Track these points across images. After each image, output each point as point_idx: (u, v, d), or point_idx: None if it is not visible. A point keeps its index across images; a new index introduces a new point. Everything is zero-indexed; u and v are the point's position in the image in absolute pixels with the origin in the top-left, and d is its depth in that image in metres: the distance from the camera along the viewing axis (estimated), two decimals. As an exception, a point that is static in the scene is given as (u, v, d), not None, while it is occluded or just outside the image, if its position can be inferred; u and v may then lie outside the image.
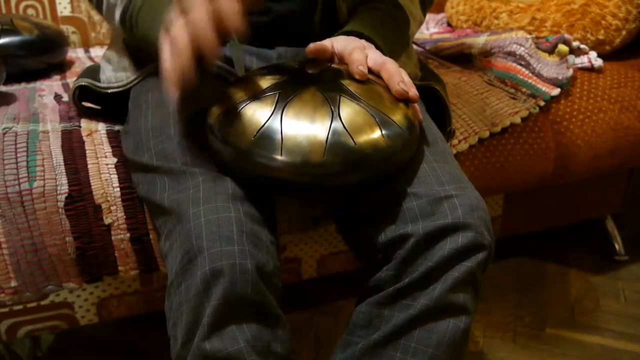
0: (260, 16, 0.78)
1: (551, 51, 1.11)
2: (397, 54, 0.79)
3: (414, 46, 1.20)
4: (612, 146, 1.08)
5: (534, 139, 1.00)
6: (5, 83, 1.06)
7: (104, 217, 0.77)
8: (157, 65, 0.78)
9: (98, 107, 0.92)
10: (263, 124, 0.60)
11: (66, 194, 0.76)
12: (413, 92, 0.65)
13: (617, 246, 1.39)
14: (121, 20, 0.73)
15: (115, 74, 0.83)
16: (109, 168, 0.79)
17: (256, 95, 0.63)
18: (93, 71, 0.87)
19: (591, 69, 1.11)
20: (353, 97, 0.62)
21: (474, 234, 0.61)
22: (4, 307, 0.92)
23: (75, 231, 0.76)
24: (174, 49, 0.55)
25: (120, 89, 0.81)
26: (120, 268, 0.80)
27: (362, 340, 0.65)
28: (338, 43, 0.69)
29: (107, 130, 0.86)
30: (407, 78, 0.66)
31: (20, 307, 0.93)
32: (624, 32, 1.13)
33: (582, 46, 1.12)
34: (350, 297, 1.24)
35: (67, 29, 1.36)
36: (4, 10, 1.30)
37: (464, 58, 1.18)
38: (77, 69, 1.21)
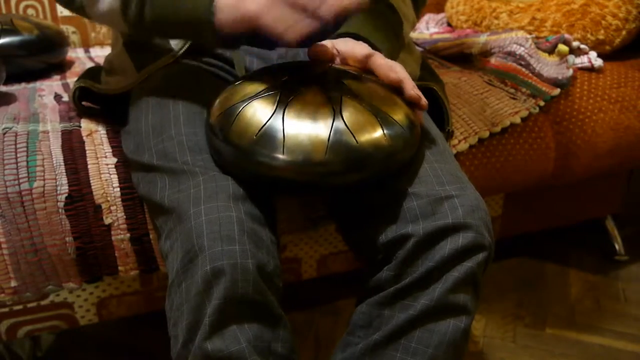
0: None
1: (551, 51, 1.11)
2: (395, 54, 0.79)
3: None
4: (612, 146, 1.08)
5: (534, 139, 1.00)
6: (5, 83, 1.06)
7: (104, 217, 0.77)
8: (158, 65, 0.78)
9: (98, 107, 0.92)
10: (265, 123, 0.60)
11: (66, 194, 0.75)
12: (424, 100, 0.66)
13: (617, 246, 1.39)
14: (123, 3, 0.66)
15: (115, 77, 0.83)
16: (109, 168, 0.79)
17: (257, 95, 0.63)
18: (94, 72, 0.87)
19: (591, 69, 1.11)
20: (355, 96, 0.62)
21: (474, 234, 0.61)
22: (4, 307, 0.92)
23: (75, 231, 0.76)
24: None
25: (119, 91, 0.81)
26: (120, 268, 0.80)
27: (363, 341, 0.65)
28: (340, 45, 0.69)
29: (107, 130, 0.86)
30: (415, 85, 0.66)
31: (20, 307, 0.93)
32: (624, 32, 1.13)
33: (582, 46, 1.12)
34: (350, 297, 1.24)
35: (67, 29, 1.36)
36: (4, 10, 1.30)
37: (464, 58, 1.18)
38: (77, 69, 1.21)
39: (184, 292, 0.59)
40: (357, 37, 0.72)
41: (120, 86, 0.81)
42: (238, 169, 0.62)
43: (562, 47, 1.09)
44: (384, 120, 0.61)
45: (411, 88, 0.65)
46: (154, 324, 1.16)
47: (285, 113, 0.60)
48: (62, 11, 1.34)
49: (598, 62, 1.11)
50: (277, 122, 0.59)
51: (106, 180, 0.78)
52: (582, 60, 1.12)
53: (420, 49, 1.28)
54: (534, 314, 1.22)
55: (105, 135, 0.85)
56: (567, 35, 1.11)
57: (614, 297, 1.27)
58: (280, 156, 0.58)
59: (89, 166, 0.79)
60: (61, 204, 0.75)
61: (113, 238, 0.78)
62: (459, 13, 1.38)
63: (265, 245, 0.60)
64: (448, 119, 0.85)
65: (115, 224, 0.77)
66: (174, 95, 0.74)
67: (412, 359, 0.62)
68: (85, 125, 0.87)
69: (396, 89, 0.66)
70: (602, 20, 1.12)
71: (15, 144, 0.80)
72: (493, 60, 1.13)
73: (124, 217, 0.78)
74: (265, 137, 0.59)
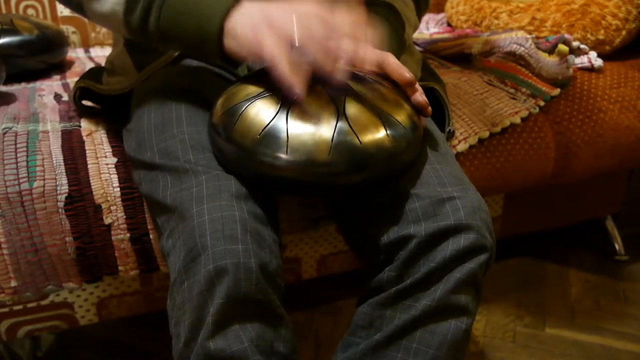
0: None
1: (551, 51, 1.11)
2: (397, 56, 0.79)
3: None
4: (612, 146, 1.08)
5: (534, 139, 1.00)
6: (5, 83, 1.06)
7: (104, 217, 0.77)
8: (159, 64, 0.78)
9: (98, 107, 0.92)
10: (268, 122, 0.59)
11: (66, 194, 0.75)
12: (430, 108, 0.66)
13: (617, 246, 1.39)
14: (127, 8, 0.65)
15: (116, 77, 0.83)
16: (109, 168, 0.79)
17: (261, 94, 0.63)
18: (95, 73, 0.87)
19: (591, 69, 1.11)
20: (358, 97, 0.62)
21: (475, 235, 0.61)
22: (4, 307, 0.92)
23: (75, 231, 0.76)
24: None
25: (121, 91, 0.81)
26: (120, 268, 0.80)
27: (364, 341, 0.65)
28: (346, 45, 0.69)
29: (107, 130, 0.86)
30: (422, 91, 0.66)
31: (20, 307, 0.93)
32: (624, 32, 1.13)
33: (582, 46, 1.12)
34: (351, 297, 1.24)
35: (67, 29, 1.36)
36: (4, 10, 1.30)
37: (464, 58, 1.18)
38: (77, 69, 1.21)
39: (186, 291, 0.59)
40: None
41: (121, 86, 0.81)
42: (241, 169, 0.62)
43: (562, 47, 1.09)
44: (387, 121, 0.61)
45: (419, 94, 0.65)
46: (154, 324, 1.16)
47: (288, 113, 0.60)
48: (62, 11, 1.33)
49: (598, 62, 1.11)
50: (280, 122, 0.59)
51: (106, 180, 0.78)
52: (582, 60, 1.12)
53: (420, 49, 1.28)
54: (534, 314, 1.22)
55: (105, 135, 0.85)
56: (567, 35, 1.11)
57: (614, 297, 1.27)
58: (284, 156, 0.58)
59: (89, 166, 0.79)
60: (61, 204, 0.75)
61: (113, 238, 0.78)
62: (459, 13, 1.38)
63: (267, 244, 0.60)
64: (449, 119, 0.85)
65: (115, 224, 0.77)
66: (176, 93, 0.74)
67: (413, 360, 0.62)
68: (85, 125, 0.87)
69: (399, 90, 0.66)
70: (602, 20, 1.12)
71: (15, 144, 0.80)
72: (493, 60, 1.13)
73: (124, 217, 0.78)
74: (269, 136, 0.59)
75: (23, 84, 1.08)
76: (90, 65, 1.23)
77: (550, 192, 1.24)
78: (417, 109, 0.66)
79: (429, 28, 1.47)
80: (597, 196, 1.30)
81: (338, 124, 0.59)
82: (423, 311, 0.61)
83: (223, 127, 0.62)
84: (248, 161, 0.60)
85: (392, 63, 0.65)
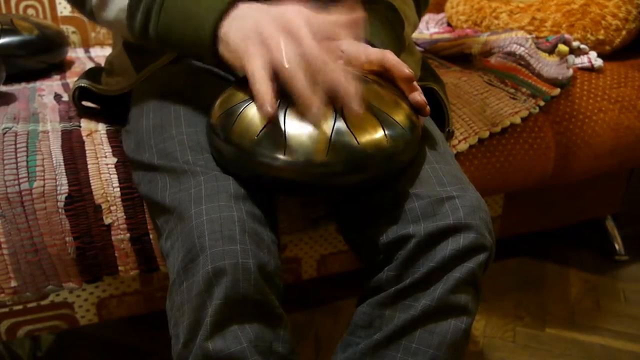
0: None
1: (551, 51, 1.11)
2: (396, 55, 0.79)
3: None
4: (612, 146, 1.08)
5: (534, 139, 1.00)
6: (5, 83, 1.06)
7: (104, 217, 0.77)
8: (158, 65, 0.78)
9: (98, 107, 0.92)
10: (266, 123, 0.60)
11: (66, 194, 0.75)
12: (428, 107, 0.66)
13: (617, 246, 1.39)
14: (130, 8, 0.65)
15: (115, 78, 0.83)
16: (109, 168, 0.79)
17: None
18: (94, 73, 0.87)
19: (591, 69, 1.11)
20: None
21: (475, 234, 0.61)
22: (4, 307, 0.92)
23: (75, 231, 0.76)
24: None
25: (120, 92, 0.81)
26: (120, 268, 0.80)
27: (363, 341, 0.65)
28: (345, 45, 0.69)
29: (107, 130, 0.86)
30: (421, 91, 0.66)
31: (20, 307, 0.93)
32: (624, 32, 1.13)
33: (582, 46, 1.12)
34: (351, 297, 1.24)
35: (67, 29, 1.36)
36: (4, 10, 1.30)
37: (464, 58, 1.18)
38: (77, 69, 1.21)
39: (185, 292, 0.59)
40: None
41: (120, 87, 0.81)
42: (239, 169, 0.62)
43: (562, 47, 1.09)
44: (385, 121, 0.61)
45: (417, 94, 0.65)
46: (154, 324, 1.16)
47: (286, 113, 0.60)
48: (62, 11, 1.33)
49: (598, 62, 1.11)
50: (278, 123, 0.59)
51: (106, 180, 0.78)
52: (582, 60, 1.12)
53: (420, 49, 1.28)
54: (534, 314, 1.22)
55: (105, 135, 0.85)
56: (567, 35, 1.11)
57: (614, 297, 1.27)
58: (282, 157, 0.58)
59: (89, 166, 0.79)
60: (61, 204, 0.75)
61: (113, 238, 0.78)
62: (459, 13, 1.38)
63: (266, 245, 0.60)
64: (448, 119, 0.85)
65: (115, 224, 0.77)
66: (175, 94, 0.74)
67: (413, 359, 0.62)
68: (85, 125, 0.87)
69: (398, 90, 0.66)
70: (602, 20, 1.12)
71: (15, 144, 0.80)
72: (493, 60, 1.13)
73: (124, 217, 0.78)
74: (267, 137, 0.59)
75: (23, 84, 1.08)
76: (90, 65, 1.23)
77: (550, 192, 1.24)
78: (416, 109, 0.66)
79: (429, 28, 1.47)
80: (597, 196, 1.30)
81: (336, 125, 0.59)
82: (422, 311, 0.61)
83: (221, 128, 0.62)
84: (246, 162, 0.60)
85: (392, 59, 0.65)
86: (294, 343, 0.63)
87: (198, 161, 0.65)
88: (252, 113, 0.61)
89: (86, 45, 1.39)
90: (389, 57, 0.65)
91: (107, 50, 1.35)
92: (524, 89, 1.03)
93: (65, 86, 1.08)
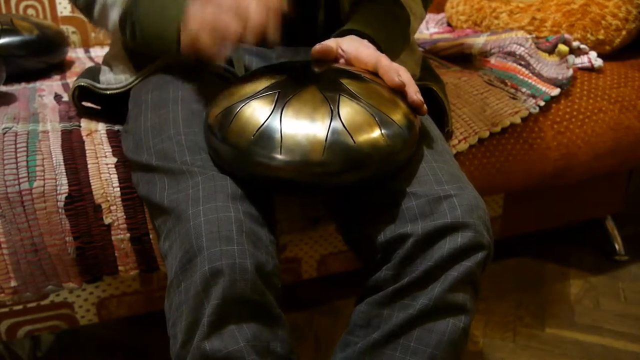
0: None
1: (551, 51, 1.11)
2: (397, 53, 0.79)
3: (414, 46, 1.20)
4: (612, 146, 1.08)
5: (534, 139, 1.00)
6: (5, 83, 1.06)
7: (104, 217, 0.77)
8: (157, 65, 0.78)
9: (98, 108, 0.92)
10: (262, 123, 0.60)
11: (66, 194, 0.76)
12: (425, 107, 0.66)
13: (617, 246, 1.39)
14: (120, 22, 0.73)
15: (114, 76, 0.83)
16: (109, 168, 0.79)
17: (256, 95, 0.63)
18: (93, 72, 0.87)
19: (591, 69, 1.11)
20: (353, 96, 0.62)
21: (473, 233, 0.61)
22: (4, 307, 0.92)
23: (75, 231, 0.76)
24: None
25: (118, 90, 0.81)
26: (120, 268, 0.80)
27: (362, 340, 0.65)
28: (346, 45, 0.69)
29: (107, 130, 0.86)
30: (418, 91, 0.66)
31: (20, 307, 0.93)
32: (624, 32, 1.13)
33: (582, 46, 1.12)
34: (350, 297, 1.24)
35: (67, 29, 1.36)
36: (4, 10, 1.30)
37: (464, 58, 1.18)
38: (77, 69, 1.21)
39: (183, 293, 0.59)
40: (362, 34, 0.72)
41: (120, 86, 0.81)
42: (236, 169, 0.62)
43: (562, 47, 1.09)
44: (381, 120, 0.61)
45: (414, 93, 0.65)
46: (154, 324, 1.16)
47: (282, 113, 0.60)
48: (62, 11, 1.34)
49: (598, 62, 1.11)
50: (274, 122, 0.59)
51: (106, 180, 0.78)
52: (582, 60, 1.12)
53: (420, 49, 1.28)
54: (534, 314, 1.22)
55: (105, 135, 0.85)
56: (567, 35, 1.11)
57: (614, 297, 1.27)
58: (278, 156, 0.58)
59: (88, 166, 0.79)
60: (61, 204, 0.75)
61: (113, 238, 0.78)
62: (459, 13, 1.38)
63: (264, 245, 0.61)
64: (448, 119, 0.85)
65: (115, 224, 0.77)
66: (173, 95, 0.74)
67: (411, 358, 0.62)
68: (85, 125, 0.87)
69: (398, 90, 0.66)
70: (602, 20, 1.12)
71: (15, 144, 0.80)
72: (493, 60, 1.13)
73: (124, 217, 0.78)
74: (263, 137, 0.59)
75: (23, 84, 1.08)
76: (90, 65, 1.23)
77: (550, 192, 1.24)
78: (413, 108, 0.66)
79: (429, 28, 1.47)
80: (597, 196, 1.30)
81: (332, 124, 0.59)
82: (420, 310, 0.61)
83: (218, 128, 0.62)
84: (243, 162, 0.60)
85: (384, 65, 0.66)
86: (292, 342, 0.63)
87: (196, 162, 0.65)
88: (249, 112, 0.61)
89: (86, 45, 1.39)
90: (383, 62, 0.66)
91: (107, 50, 1.35)
92: (524, 89, 1.03)
93: (65, 86, 1.08)
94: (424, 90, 0.83)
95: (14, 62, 1.09)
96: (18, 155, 0.78)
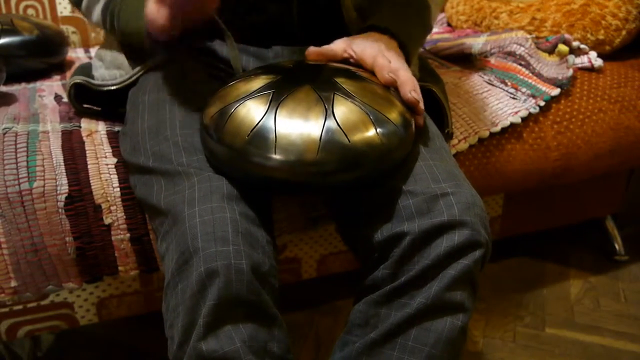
0: (257, 15, 0.79)
1: (551, 51, 1.11)
2: (420, 44, 0.80)
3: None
4: (612, 146, 1.08)
5: (534, 139, 1.00)
6: (5, 83, 1.06)
7: (104, 217, 0.77)
8: (154, 61, 0.78)
9: (98, 109, 0.92)
10: (257, 122, 0.60)
11: (66, 194, 0.76)
12: (421, 106, 0.66)
13: (617, 246, 1.39)
14: (102, 16, 0.77)
15: (108, 72, 0.83)
16: (109, 168, 0.80)
17: (251, 94, 0.63)
18: (85, 69, 0.87)
19: (591, 69, 1.11)
20: (347, 95, 0.62)
21: (470, 231, 0.61)
22: (4, 307, 0.92)
23: (75, 231, 0.76)
24: None
25: (115, 86, 0.81)
26: (120, 268, 0.80)
27: (360, 340, 0.65)
28: (357, 45, 0.70)
29: (107, 130, 0.86)
30: (418, 89, 0.67)
31: (20, 307, 0.93)
32: (624, 32, 1.13)
33: (582, 46, 1.12)
34: (350, 297, 1.24)
35: (67, 29, 1.36)
36: (4, 10, 1.30)
37: (464, 58, 1.18)
38: (77, 69, 1.21)
39: (179, 294, 0.59)
40: (386, 31, 0.72)
41: (115, 82, 0.81)
42: (232, 170, 0.62)
43: (562, 47, 1.09)
44: (376, 118, 0.61)
45: (408, 91, 0.65)
46: (154, 324, 1.16)
47: (277, 113, 0.60)
48: (62, 11, 1.34)
49: (598, 62, 1.11)
50: (269, 122, 0.59)
51: (106, 180, 0.78)
52: (582, 60, 1.12)
53: (420, 49, 1.28)
54: (534, 314, 1.22)
55: (105, 135, 0.85)
56: (567, 35, 1.11)
57: (614, 297, 1.27)
58: (273, 156, 0.58)
59: (89, 166, 0.79)
60: (61, 204, 0.75)
61: (113, 238, 0.78)
62: (459, 13, 1.38)
63: (260, 245, 0.60)
64: (447, 120, 0.85)
65: (115, 224, 0.78)
66: (169, 96, 0.74)
67: (410, 357, 0.62)
68: (85, 125, 0.87)
69: (395, 88, 0.66)
70: (602, 20, 1.12)
71: (15, 144, 0.80)
72: (493, 60, 1.13)
73: (124, 217, 0.78)
74: (258, 137, 0.59)
75: (23, 84, 1.08)
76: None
77: (550, 192, 1.24)
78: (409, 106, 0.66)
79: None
80: (597, 196, 1.30)
81: (326, 123, 0.59)
82: (418, 309, 0.61)
83: (214, 129, 0.62)
84: (238, 162, 0.60)
85: (379, 63, 0.66)
86: (289, 342, 0.63)
87: (192, 163, 0.65)
88: (243, 113, 0.61)
89: (86, 45, 1.39)
90: (378, 61, 0.67)
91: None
92: (524, 89, 1.03)
93: (65, 87, 1.08)
94: (423, 90, 0.83)
95: (14, 62, 1.09)
96: (18, 155, 0.78)
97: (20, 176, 0.75)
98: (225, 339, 0.57)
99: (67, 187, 0.76)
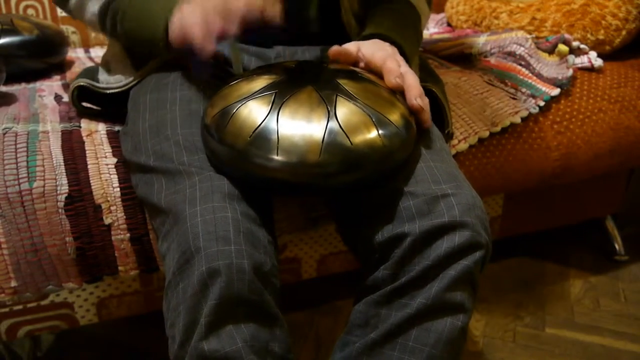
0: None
1: (551, 51, 1.11)
2: (415, 53, 0.81)
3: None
4: (612, 146, 1.08)
5: (534, 139, 1.00)
6: (5, 83, 1.06)
7: (104, 217, 0.77)
8: (157, 63, 0.78)
9: (98, 109, 0.92)
10: (259, 123, 0.59)
11: (66, 194, 0.76)
12: (426, 114, 0.67)
13: (617, 246, 1.39)
14: (100, 16, 0.76)
15: (114, 76, 0.83)
16: (109, 168, 0.80)
17: (253, 95, 0.63)
18: (91, 72, 0.87)
19: (591, 69, 1.11)
20: (349, 96, 0.62)
21: (470, 232, 0.61)
22: (4, 307, 0.92)
23: (75, 231, 0.76)
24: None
25: (119, 89, 0.81)
26: (120, 268, 0.80)
27: (360, 340, 0.65)
28: (366, 48, 0.70)
29: (107, 130, 0.86)
30: (424, 96, 0.68)
31: (20, 307, 0.93)
32: (624, 32, 1.13)
33: (582, 46, 1.12)
34: (350, 297, 1.24)
35: (67, 29, 1.36)
36: (4, 10, 1.30)
37: (464, 58, 1.18)
38: (77, 69, 1.21)
39: (180, 293, 0.59)
40: (387, 39, 0.73)
41: (119, 85, 0.81)
42: (233, 170, 0.62)
43: (562, 47, 1.09)
44: (378, 120, 0.61)
45: (414, 97, 0.66)
46: (154, 324, 1.16)
47: (279, 114, 0.60)
48: (62, 11, 1.34)
49: (598, 62, 1.11)
50: (271, 123, 0.59)
51: (106, 180, 0.78)
52: (582, 60, 1.12)
53: (420, 49, 1.28)
54: (534, 314, 1.22)
55: (105, 135, 0.85)
56: (567, 35, 1.11)
57: (614, 297, 1.27)
58: (275, 157, 0.58)
59: (89, 166, 0.79)
60: (61, 204, 0.75)
61: (113, 238, 0.78)
62: (459, 13, 1.38)
63: (261, 245, 0.60)
64: (447, 120, 0.85)
65: (115, 224, 0.78)
66: (171, 95, 0.74)
67: (410, 358, 0.62)
68: (85, 125, 0.87)
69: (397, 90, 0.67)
70: (602, 20, 1.12)
71: (15, 144, 0.80)
72: (493, 60, 1.13)
73: (124, 217, 0.78)
74: (260, 138, 0.59)
75: (23, 84, 1.08)
76: (90, 65, 1.23)
77: (550, 192, 1.24)
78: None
79: (429, 28, 1.47)
80: (597, 196, 1.30)
81: (328, 125, 0.59)
82: (418, 309, 0.61)
83: (215, 129, 0.62)
84: (240, 162, 0.60)
85: (388, 66, 0.67)
86: (290, 342, 0.63)
87: (193, 162, 0.65)
88: (245, 113, 0.61)
89: (86, 45, 1.39)
90: (387, 64, 0.67)
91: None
92: (524, 89, 1.03)
93: (65, 86, 1.08)
94: (424, 90, 0.83)
95: (14, 62, 1.09)
96: (18, 155, 0.78)
97: (20, 176, 0.75)
98: (226, 338, 0.57)
99: (67, 187, 0.76)
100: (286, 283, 1.00)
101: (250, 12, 0.63)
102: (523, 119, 0.99)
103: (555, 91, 1.03)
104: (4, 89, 1.04)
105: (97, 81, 0.84)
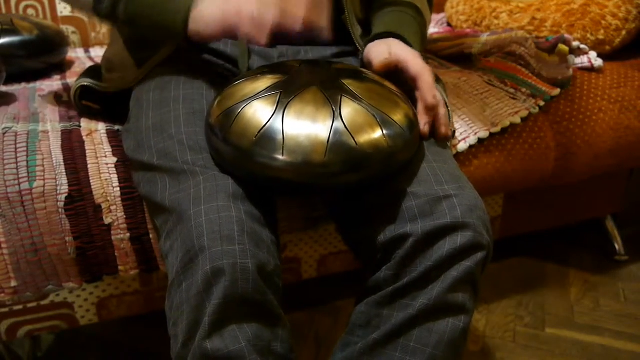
0: None
1: (551, 51, 1.10)
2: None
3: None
4: (612, 146, 1.08)
5: (534, 139, 1.00)
6: (5, 83, 1.06)
7: (104, 217, 0.77)
8: (161, 56, 0.78)
9: (98, 107, 0.92)
10: (264, 123, 0.59)
11: (66, 194, 0.75)
12: (443, 115, 0.70)
13: (617, 246, 1.39)
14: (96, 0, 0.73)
15: (116, 74, 0.83)
16: (109, 168, 0.79)
17: (257, 95, 0.62)
18: (94, 71, 0.87)
19: (591, 69, 1.11)
20: (354, 97, 0.62)
21: (472, 233, 0.61)
22: (4, 307, 0.92)
23: (75, 231, 0.76)
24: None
25: (122, 88, 0.81)
26: (120, 268, 0.80)
27: (361, 340, 0.65)
28: (395, 48, 0.71)
29: (107, 130, 0.86)
30: (438, 95, 0.69)
31: (20, 307, 0.93)
32: (624, 32, 1.13)
33: (582, 46, 1.12)
34: (350, 297, 1.24)
35: (67, 29, 1.36)
36: (4, 10, 1.30)
37: (464, 58, 1.18)
38: (77, 69, 1.21)
39: (184, 292, 0.59)
40: (399, 38, 0.75)
41: (122, 83, 0.81)
42: (238, 170, 0.62)
43: (562, 47, 1.09)
44: (383, 120, 0.61)
45: (431, 97, 0.68)
46: (154, 324, 1.16)
47: (285, 114, 0.60)
48: (62, 11, 1.34)
49: (598, 62, 1.11)
50: (276, 123, 0.59)
51: (106, 180, 0.78)
52: (582, 60, 1.12)
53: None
54: (534, 314, 1.22)
55: (105, 135, 0.85)
56: (567, 35, 1.11)
57: (614, 297, 1.27)
58: (280, 157, 0.58)
59: (89, 166, 0.79)
60: (61, 204, 0.75)
61: (113, 238, 0.78)
62: (459, 13, 1.38)
63: (265, 245, 0.61)
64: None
65: (115, 224, 0.77)
66: (174, 94, 0.74)
67: (411, 358, 0.62)
68: (85, 125, 0.87)
69: (399, 89, 0.67)
70: (602, 20, 1.12)
71: (15, 144, 0.80)
72: (493, 60, 1.13)
73: (124, 216, 0.78)
74: (265, 138, 0.59)
75: (23, 84, 1.08)
76: (90, 65, 1.23)
77: (550, 192, 1.24)
78: (415, 107, 0.66)
79: (429, 28, 1.47)
80: (597, 196, 1.30)
81: (334, 125, 0.59)
82: (420, 310, 0.61)
83: (220, 128, 0.62)
84: (245, 162, 0.60)
85: (427, 82, 0.69)
86: (292, 342, 0.63)
87: (197, 161, 0.65)
88: (250, 113, 0.61)
89: (86, 45, 1.39)
90: (425, 78, 0.69)
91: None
92: (524, 89, 1.03)
93: (65, 86, 1.08)
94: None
95: (14, 62, 1.09)
96: (18, 155, 0.78)
97: (20, 176, 0.75)
98: (230, 338, 0.57)
99: (67, 187, 0.76)
100: (286, 283, 1.00)
101: (294, 24, 0.64)
102: (523, 119, 0.99)
103: (555, 91, 1.03)
104: (4, 89, 1.04)
105: (100, 80, 0.84)
